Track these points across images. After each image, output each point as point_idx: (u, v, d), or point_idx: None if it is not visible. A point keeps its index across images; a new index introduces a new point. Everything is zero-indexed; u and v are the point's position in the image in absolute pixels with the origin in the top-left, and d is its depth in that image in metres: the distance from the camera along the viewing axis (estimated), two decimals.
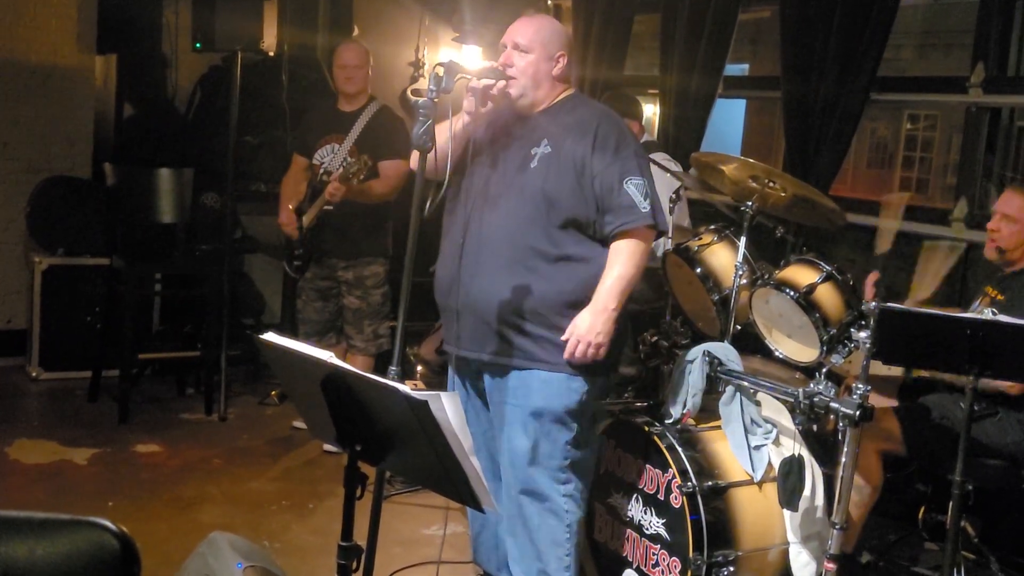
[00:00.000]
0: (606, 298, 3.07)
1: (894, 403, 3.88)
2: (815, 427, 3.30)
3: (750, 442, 3.48)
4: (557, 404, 3.14)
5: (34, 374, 5.71)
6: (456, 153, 3.13)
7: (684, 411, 3.58)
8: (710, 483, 3.36)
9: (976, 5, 4.78)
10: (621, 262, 3.09)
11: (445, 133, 3.02)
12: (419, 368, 5.49)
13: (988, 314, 3.10)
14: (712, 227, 4.09)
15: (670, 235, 4.34)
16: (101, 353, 5.52)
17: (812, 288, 3.60)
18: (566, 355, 3.08)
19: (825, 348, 3.58)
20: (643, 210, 3.08)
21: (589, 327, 3.05)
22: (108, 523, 1.27)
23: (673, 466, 3.35)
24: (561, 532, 3.19)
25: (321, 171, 4.92)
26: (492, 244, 3.12)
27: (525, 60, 3.15)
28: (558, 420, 3.14)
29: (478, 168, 3.21)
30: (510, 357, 3.15)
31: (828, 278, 3.64)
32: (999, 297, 3.67)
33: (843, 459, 3.11)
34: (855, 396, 3.04)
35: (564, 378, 3.13)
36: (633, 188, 3.08)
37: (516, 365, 3.15)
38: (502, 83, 3.09)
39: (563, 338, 3.09)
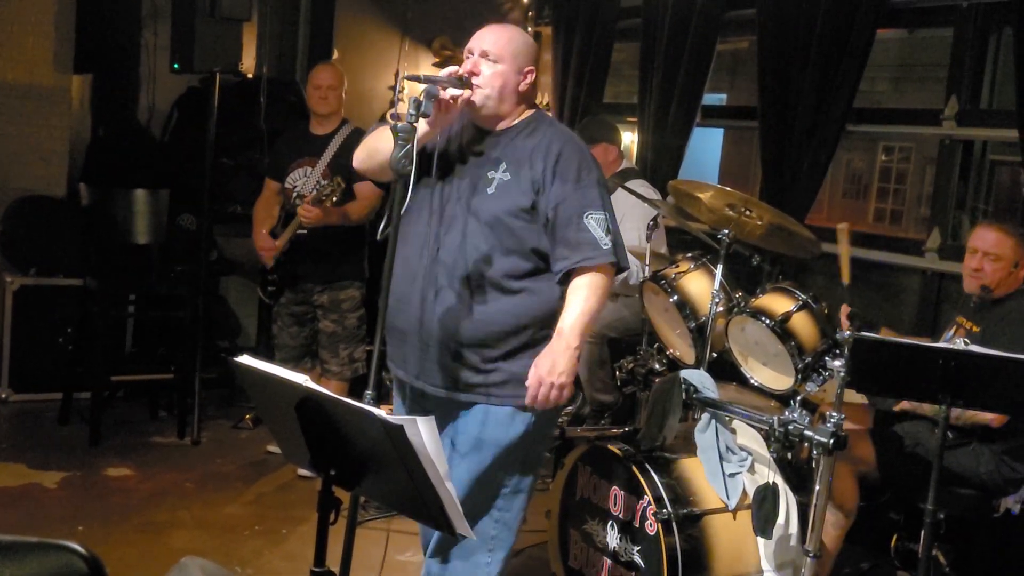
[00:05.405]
0: (568, 336, 2.82)
1: (868, 426, 3.89)
2: (789, 455, 3.32)
3: (725, 469, 3.48)
4: (501, 437, 2.94)
5: (4, 396, 5.64)
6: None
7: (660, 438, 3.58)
8: (685, 510, 3.36)
9: (950, 39, 4.85)
10: (584, 298, 2.85)
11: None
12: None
13: (961, 344, 3.13)
14: (689, 255, 4.11)
15: (647, 263, 4.38)
16: (73, 375, 5.46)
17: (788, 316, 3.62)
18: (528, 399, 2.84)
19: (800, 376, 3.60)
20: (604, 247, 2.86)
21: (551, 367, 2.80)
22: (77, 546, 1.26)
23: (648, 493, 3.34)
24: (484, 557, 3.02)
25: (294, 195, 4.90)
26: (446, 269, 2.92)
27: (493, 70, 2.94)
28: (499, 454, 2.95)
29: (436, 183, 3.01)
30: (455, 391, 2.95)
31: (804, 307, 3.66)
32: (974, 328, 3.69)
33: (817, 487, 3.12)
34: (829, 424, 3.06)
35: (509, 412, 2.93)
36: (594, 223, 2.86)
37: (460, 400, 2.96)
38: (467, 93, 2.90)
39: (528, 383, 2.85)
